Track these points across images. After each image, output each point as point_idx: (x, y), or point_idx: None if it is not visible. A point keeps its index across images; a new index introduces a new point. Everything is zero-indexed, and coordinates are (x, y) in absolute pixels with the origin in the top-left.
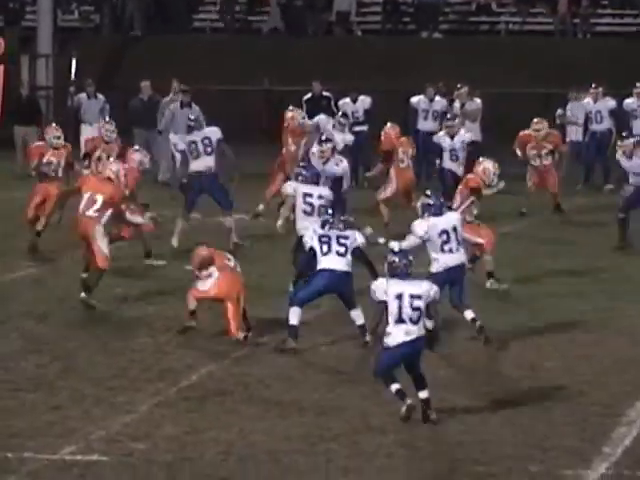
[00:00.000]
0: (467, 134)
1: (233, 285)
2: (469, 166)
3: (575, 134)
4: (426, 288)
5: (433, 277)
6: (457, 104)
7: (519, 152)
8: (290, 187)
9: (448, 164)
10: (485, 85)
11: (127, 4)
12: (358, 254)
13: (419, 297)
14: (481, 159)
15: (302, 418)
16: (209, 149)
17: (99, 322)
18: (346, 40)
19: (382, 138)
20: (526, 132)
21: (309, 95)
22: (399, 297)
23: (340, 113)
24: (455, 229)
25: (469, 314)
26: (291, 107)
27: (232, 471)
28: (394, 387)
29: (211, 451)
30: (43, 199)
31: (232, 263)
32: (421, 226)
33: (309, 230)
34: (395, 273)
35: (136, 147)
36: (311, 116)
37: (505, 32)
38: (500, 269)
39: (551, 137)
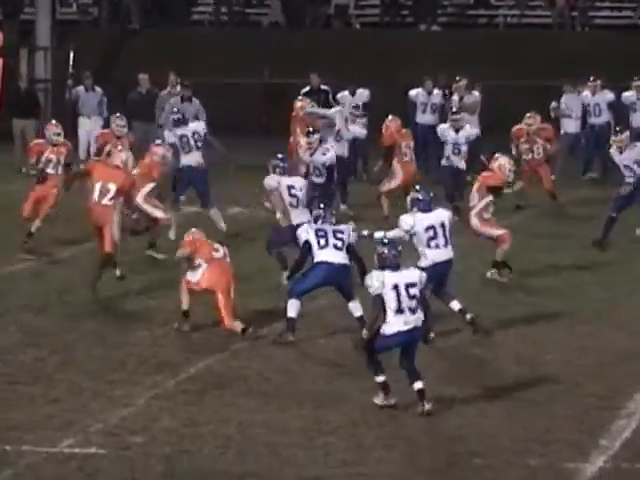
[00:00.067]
0: (473, 130)
1: (222, 275)
2: (469, 159)
3: (570, 127)
4: (418, 274)
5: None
6: (455, 97)
7: (513, 148)
8: (273, 180)
9: (450, 158)
10: (483, 78)
11: None
12: (352, 250)
13: (414, 285)
14: (496, 155)
15: (301, 411)
16: (199, 144)
17: (97, 315)
18: (345, 33)
19: (383, 132)
20: (518, 127)
21: (307, 88)
22: (396, 288)
23: (354, 105)
24: (443, 225)
25: (455, 305)
26: (300, 97)
27: (231, 464)
28: (380, 379)
29: (209, 444)
30: (41, 197)
31: (220, 253)
32: (407, 220)
33: (303, 224)
34: (385, 264)
35: (158, 141)
36: None
37: (503, 25)
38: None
39: (543, 132)
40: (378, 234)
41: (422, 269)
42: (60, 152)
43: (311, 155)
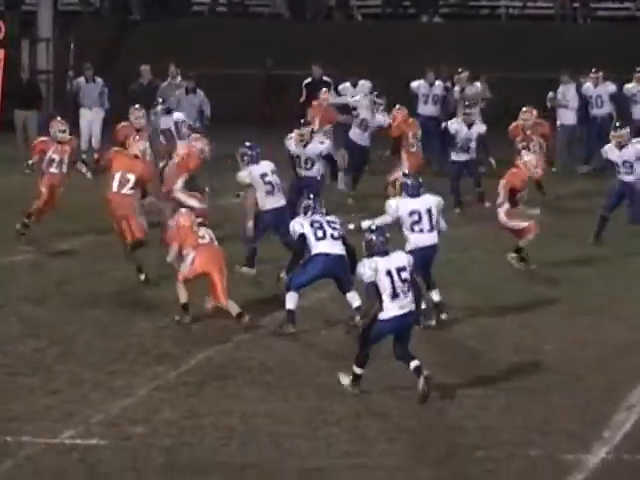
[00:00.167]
0: (483, 125)
1: (214, 257)
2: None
3: (566, 118)
4: (406, 258)
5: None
6: (457, 88)
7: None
8: (245, 176)
9: (459, 154)
10: (485, 70)
11: None
12: (345, 241)
13: (404, 269)
14: (523, 152)
15: (304, 402)
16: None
17: (97, 306)
18: (346, 25)
19: (391, 122)
20: (514, 124)
21: (309, 79)
22: (389, 273)
23: (376, 93)
24: (429, 211)
25: (435, 295)
26: (325, 88)
27: (232, 455)
28: (359, 371)
29: (210, 436)
30: (50, 195)
31: (206, 239)
32: (391, 204)
33: (296, 219)
34: (373, 251)
35: (197, 135)
36: (311, 100)
37: (505, 16)
38: (498, 254)
39: (540, 127)
40: (365, 223)
41: (407, 253)
42: (64, 150)
43: (304, 147)
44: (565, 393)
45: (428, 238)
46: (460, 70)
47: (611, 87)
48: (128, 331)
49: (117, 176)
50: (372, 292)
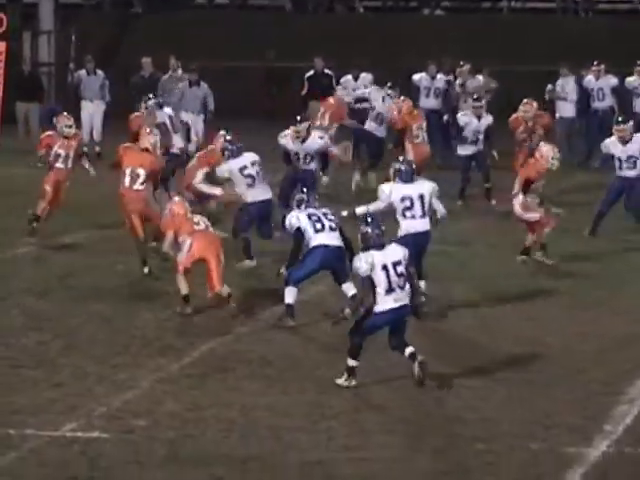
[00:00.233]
0: (489, 117)
1: (210, 243)
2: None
3: (565, 111)
4: (401, 251)
5: (398, 242)
6: (459, 81)
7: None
8: (223, 170)
9: (467, 146)
10: (486, 62)
11: None
12: (342, 232)
13: (400, 263)
14: (541, 144)
15: (304, 395)
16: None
17: (100, 299)
18: (348, 17)
19: (395, 114)
20: (515, 116)
21: (311, 72)
22: (385, 268)
23: (389, 84)
24: (422, 197)
25: (422, 285)
26: (340, 85)
27: (234, 447)
28: (353, 363)
29: (212, 428)
30: (55, 191)
31: (202, 226)
32: (384, 189)
33: (292, 212)
34: (369, 244)
35: (223, 132)
36: (313, 93)
37: (507, 9)
38: (500, 248)
39: (541, 119)
40: (360, 209)
41: (399, 238)
42: (70, 145)
43: (302, 143)
44: (566, 386)
45: (420, 224)
46: (462, 63)
47: (613, 80)
48: (131, 324)
49: (128, 172)
50: (366, 286)
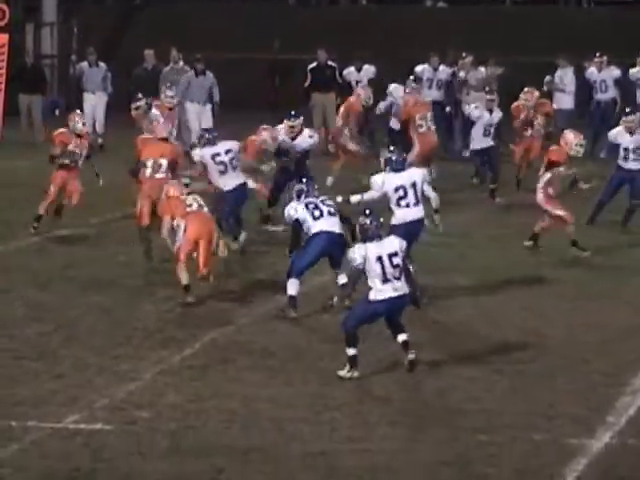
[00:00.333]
0: (500, 112)
1: (204, 225)
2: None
3: (563, 102)
4: (397, 243)
5: (392, 229)
6: (462, 73)
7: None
8: (195, 154)
9: (479, 140)
10: (489, 54)
11: None
12: (342, 217)
13: (396, 254)
14: (565, 131)
15: (306, 387)
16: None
17: (102, 291)
18: (350, 9)
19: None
20: (516, 104)
21: (314, 64)
22: (379, 259)
23: (412, 77)
24: (414, 185)
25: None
26: (361, 85)
27: (235, 439)
28: (352, 351)
29: (214, 419)
30: (61, 188)
31: (194, 207)
32: (377, 180)
33: (290, 204)
34: (367, 236)
35: (265, 126)
36: (316, 85)
37: (509, 1)
38: (502, 239)
39: (542, 107)
40: (354, 197)
41: (393, 227)
42: (82, 145)
43: (292, 139)
44: (569, 377)
45: (414, 212)
46: (464, 55)
47: (615, 72)
48: (132, 315)
49: (149, 163)
50: (355, 276)
